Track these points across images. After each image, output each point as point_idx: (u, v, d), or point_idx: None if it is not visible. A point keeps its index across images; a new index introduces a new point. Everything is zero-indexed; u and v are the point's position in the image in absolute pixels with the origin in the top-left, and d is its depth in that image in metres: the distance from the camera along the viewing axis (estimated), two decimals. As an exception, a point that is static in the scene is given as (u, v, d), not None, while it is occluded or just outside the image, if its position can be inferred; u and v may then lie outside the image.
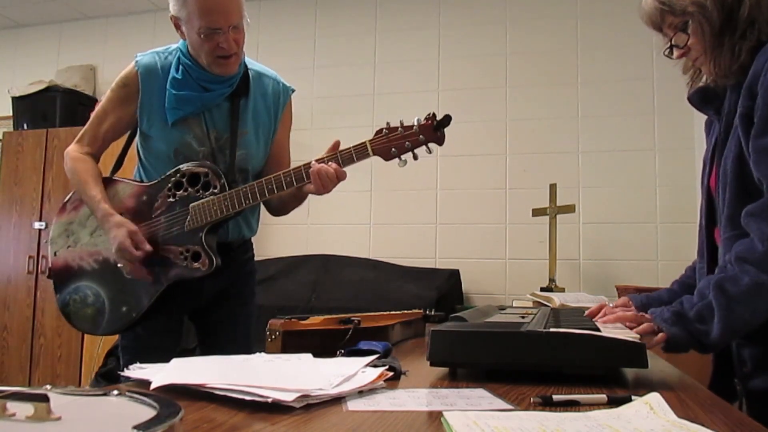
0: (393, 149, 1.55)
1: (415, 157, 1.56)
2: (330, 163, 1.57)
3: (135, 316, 1.68)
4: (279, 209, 1.86)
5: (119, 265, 1.68)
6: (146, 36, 4.48)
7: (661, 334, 1.08)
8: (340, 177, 1.58)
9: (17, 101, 4.33)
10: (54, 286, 1.78)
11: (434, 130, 1.54)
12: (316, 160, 1.59)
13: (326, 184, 1.58)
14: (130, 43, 4.51)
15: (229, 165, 1.71)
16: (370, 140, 1.57)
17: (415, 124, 1.54)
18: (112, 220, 1.65)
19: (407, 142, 1.54)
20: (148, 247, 1.64)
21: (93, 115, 1.78)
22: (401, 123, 1.56)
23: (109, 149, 1.82)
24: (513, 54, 3.84)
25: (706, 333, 1.06)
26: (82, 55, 4.67)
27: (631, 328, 1.10)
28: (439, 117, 1.54)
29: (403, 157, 1.56)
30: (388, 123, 1.57)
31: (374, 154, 1.57)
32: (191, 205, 1.65)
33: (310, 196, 1.70)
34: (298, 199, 1.79)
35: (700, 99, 1.27)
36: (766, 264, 1.02)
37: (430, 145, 1.55)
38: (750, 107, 1.09)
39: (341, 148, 1.59)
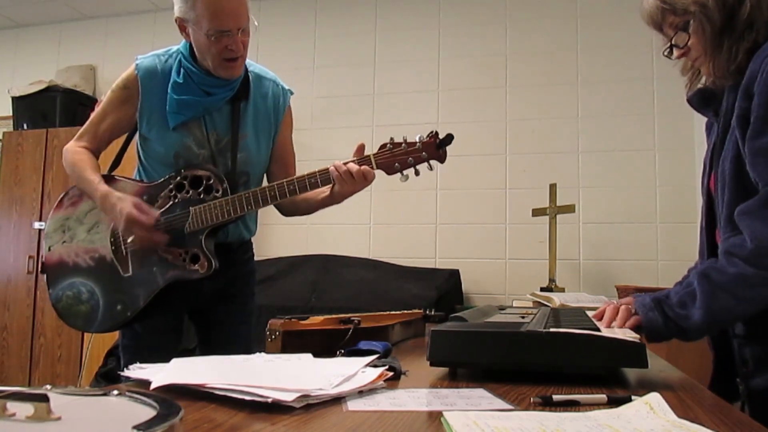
0: (396, 164, 1.57)
1: (417, 173, 1.58)
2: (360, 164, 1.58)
3: (130, 315, 1.68)
4: (292, 211, 1.85)
5: (129, 240, 1.66)
6: (146, 36, 4.48)
7: (634, 317, 1.13)
8: (368, 177, 1.57)
9: (17, 101, 4.33)
10: (47, 281, 1.78)
11: (437, 147, 1.56)
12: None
13: (352, 182, 1.57)
14: (130, 43, 4.52)
15: (230, 168, 1.72)
16: (374, 154, 1.59)
17: (418, 140, 1.56)
18: (113, 196, 1.64)
19: (410, 158, 1.56)
20: (156, 212, 1.65)
21: (93, 114, 1.78)
22: (404, 139, 1.58)
23: (107, 149, 1.81)
24: (513, 54, 3.84)
25: (686, 317, 1.09)
26: (82, 55, 4.68)
27: (622, 325, 1.12)
28: (441, 135, 1.56)
29: (405, 172, 1.58)
30: (391, 138, 1.59)
31: (378, 167, 1.59)
32: (192, 207, 1.65)
33: None
34: (316, 205, 1.77)
35: (699, 100, 1.27)
36: (753, 260, 1.05)
37: (432, 162, 1.57)
38: (747, 108, 1.09)
39: (343, 161, 1.59)
